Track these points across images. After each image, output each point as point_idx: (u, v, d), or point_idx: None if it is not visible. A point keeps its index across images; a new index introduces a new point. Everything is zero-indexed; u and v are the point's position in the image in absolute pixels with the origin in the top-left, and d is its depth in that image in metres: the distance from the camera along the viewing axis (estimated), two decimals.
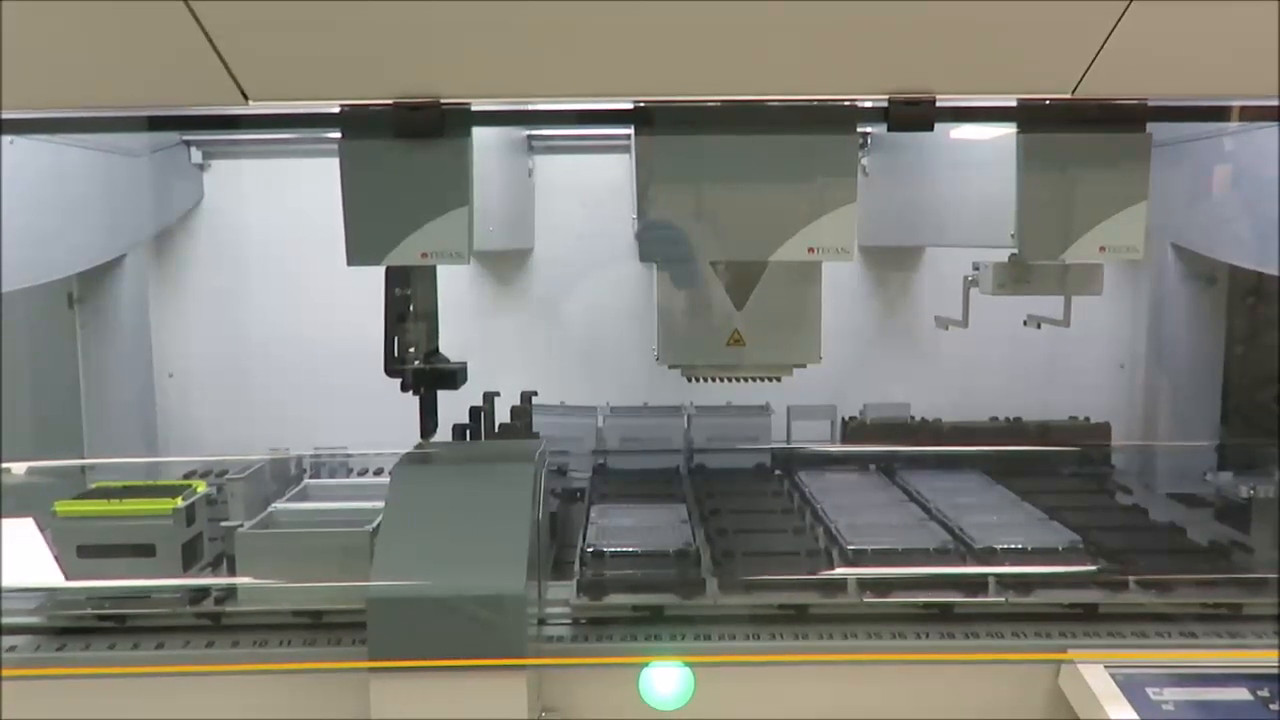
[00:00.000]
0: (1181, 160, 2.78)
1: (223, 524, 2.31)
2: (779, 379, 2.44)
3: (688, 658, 2.05)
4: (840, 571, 2.28)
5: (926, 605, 2.19)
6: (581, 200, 3.37)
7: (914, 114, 1.82)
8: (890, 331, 3.49)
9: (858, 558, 2.31)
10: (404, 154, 1.93)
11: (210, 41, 1.60)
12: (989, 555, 2.32)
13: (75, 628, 2.16)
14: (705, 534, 2.55)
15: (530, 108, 2.36)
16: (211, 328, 3.43)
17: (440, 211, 1.96)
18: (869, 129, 3.06)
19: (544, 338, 3.44)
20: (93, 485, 2.35)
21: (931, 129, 1.83)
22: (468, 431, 2.63)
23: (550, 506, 2.57)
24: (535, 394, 3.05)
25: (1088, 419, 3.33)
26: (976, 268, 2.57)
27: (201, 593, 2.21)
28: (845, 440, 3.27)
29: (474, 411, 2.66)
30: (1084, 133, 2.03)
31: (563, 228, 3.40)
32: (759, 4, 1.57)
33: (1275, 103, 1.87)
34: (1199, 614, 2.17)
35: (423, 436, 2.33)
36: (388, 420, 2.31)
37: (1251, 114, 2.24)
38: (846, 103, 1.95)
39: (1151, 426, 3.31)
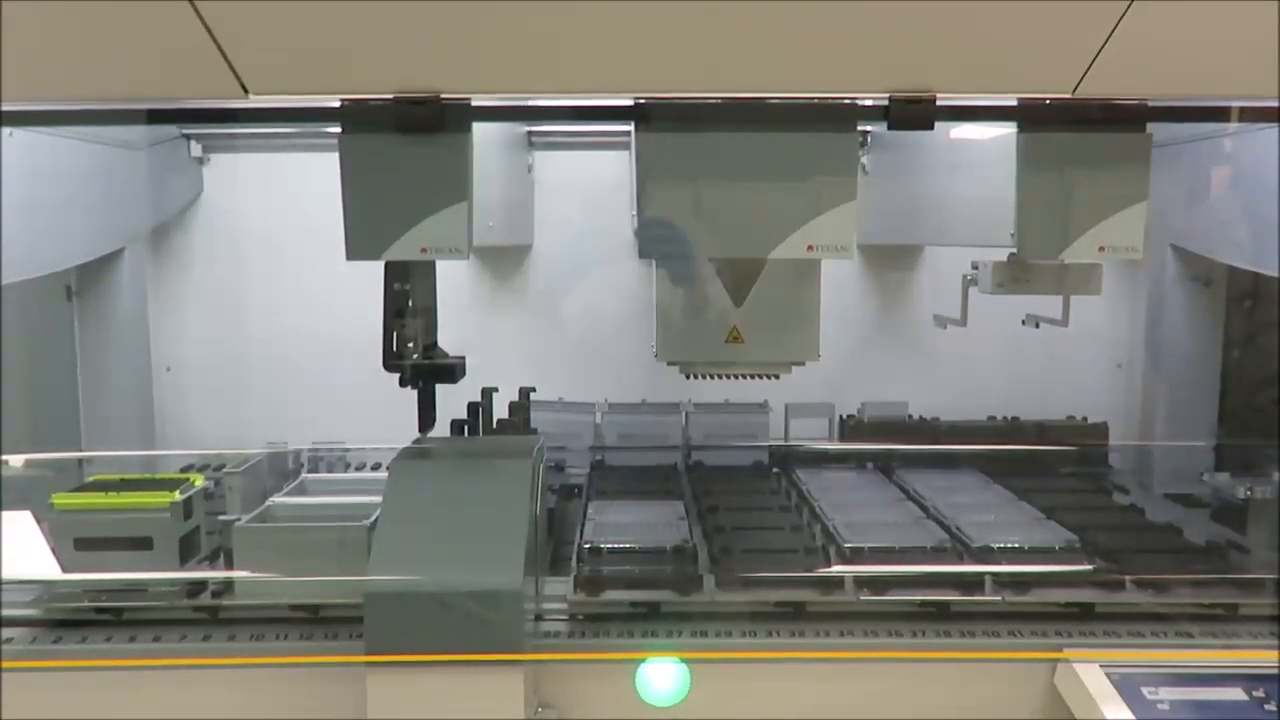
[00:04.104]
0: (1181, 161, 2.78)
1: (220, 518, 2.31)
2: (777, 376, 2.44)
3: (684, 654, 2.05)
4: (837, 569, 2.28)
5: (923, 604, 2.19)
6: (581, 197, 3.37)
7: (914, 112, 1.82)
8: (889, 330, 3.49)
9: (855, 556, 2.32)
10: (404, 149, 1.93)
11: (210, 34, 1.59)
12: (986, 554, 2.33)
13: (72, 620, 2.16)
14: (703, 531, 2.55)
15: (530, 103, 2.36)
16: (210, 322, 3.42)
17: (440, 206, 1.96)
18: (869, 127, 3.06)
19: (543, 334, 3.44)
20: (90, 478, 2.35)
21: (932, 128, 1.84)
22: (466, 427, 2.63)
23: (548, 502, 2.57)
24: (533, 390, 3.05)
25: (1085, 419, 3.34)
26: (975, 267, 2.57)
27: (198, 586, 2.21)
28: (843, 438, 3.27)
29: (472, 407, 2.66)
30: (1084, 132, 2.03)
31: (562, 224, 3.40)
32: (760, 2, 1.57)
33: (1275, 104, 1.87)
34: (1195, 614, 2.17)
35: (421, 431, 2.33)
36: (386, 415, 2.31)
37: (1251, 115, 2.24)
38: (847, 100, 1.95)
39: (1149, 426, 3.31)
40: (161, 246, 3.40)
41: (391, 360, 2.29)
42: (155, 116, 2.55)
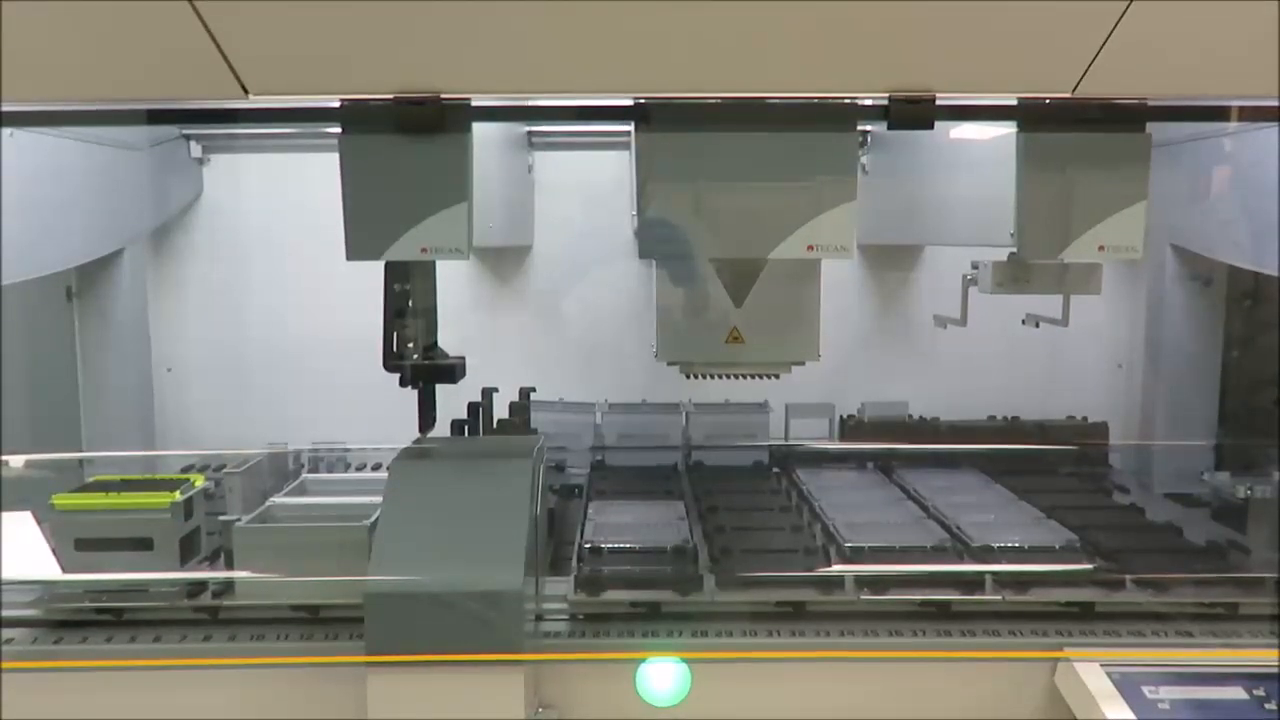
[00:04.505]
0: (1181, 160, 2.78)
1: (220, 518, 2.31)
2: (777, 376, 2.44)
3: (684, 654, 2.05)
4: (837, 569, 2.28)
5: (924, 603, 2.19)
6: (581, 197, 3.37)
7: (914, 112, 1.82)
8: (889, 330, 3.49)
9: (855, 555, 2.32)
10: (404, 149, 1.93)
11: (210, 35, 1.60)
12: (986, 553, 2.33)
13: (72, 621, 2.16)
14: (703, 531, 2.55)
15: (531, 103, 2.36)
16: (210, 322, 3.42)
17: (440, 207, 1.96)
18: (869, 127, 3.06)
19: (543, 334, 3.44)
20: (91, 479, 2.35)
21: (931, 127, 1.84)
22: (466, 427, 2.63)
23: (548, 503, 2.57)
24: (534, 390, 3.05)
25: (1085, 418, 3.34)
26: (975, 266, 2.57)
27: (199, 586, 2.21)
28: (843, 438, 3.27)
29: (472, 407, 2.66)
30: (1084, 132, 2.03)
31: (562, 224, 3.40)
32: (760, 2, 1.57)
33: (1275, 103, 1.87)
34: (1195, 613, 2.17)
35: (421, 432, 2.33)
36: (386, 415, 2.31)
37: (1251, 114, 2.24)
38: (847, 100, 1.95)
39: (1149, 426, 3.31)
40: (162, 247, 3.40)
41: (392, 360, 2.29)
42: (155, 117, 2.55)
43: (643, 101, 2.00)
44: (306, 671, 2.05)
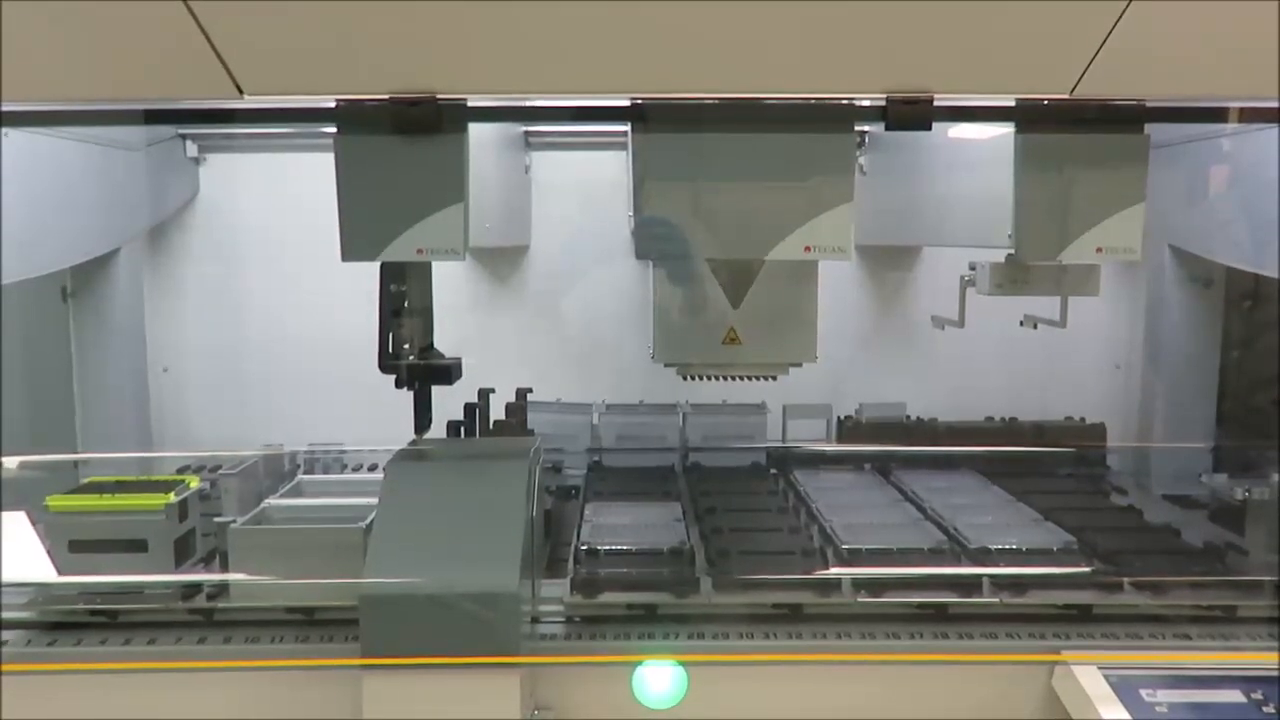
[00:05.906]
0: (1179, 161, 2.78)
1: (216, 519, 2.30)
2: (775, 378, 2.44)
3: (681, 657, 2.04)
4: (835, 571, 2.28)
5: (921, 605, 2.19)
6: (578, 197, 3.36)
7: (912, 113, 1.82)
8: (886, 331, 3.49)
9: (852, 557, 2.31)
10: (400, 149, 1.92)
11: (205, 35, 1.59)
12: (984, 555, 2.32)
13: (67, 623, 2.15)
14: (700, 533, 2.54)
15: (527, 104, 2.36)
16: (206, 322, 3.41)
17: (436, 207, 1.95)
18: (866, 128, 3.06)
19: (540, 334, 3.44)
20: (85, 480, 2.34)
21: (929, 128, 1.83)
22: (462, 428, 2.62)
23: (545, 504, 2.56)
24: (530, 391, 3.04)
25: (1083, 420, 3.33)
26: (973, 268, 2.57)
27: (194, 588, 2.20)
28: (840, 440, 3.27)
29: (469, 408, 2.65)
30: (1082, 133, 2.03)
31: (559, 225, 3.40)
32: (758, 2, 1.56)
33: (1274, 104, 1.87)
34: (1193, 616, 2.17)
35: (417, 433, 2.32)
36: (382, 416, 2.30)
37: (1250, 115, 2.24)
38: (844, 101, 1.94)
39: (1147, 428, 3.31)
40: (158, 246, 3.39)
41: (388, 361, 2.29)
42: (151, 117, 2.54)
43: (640, 102, 1.99)
44: (301, 674, 2.04)
